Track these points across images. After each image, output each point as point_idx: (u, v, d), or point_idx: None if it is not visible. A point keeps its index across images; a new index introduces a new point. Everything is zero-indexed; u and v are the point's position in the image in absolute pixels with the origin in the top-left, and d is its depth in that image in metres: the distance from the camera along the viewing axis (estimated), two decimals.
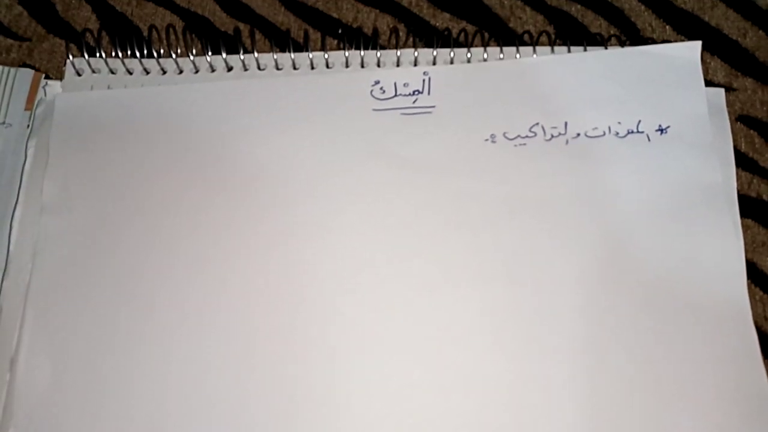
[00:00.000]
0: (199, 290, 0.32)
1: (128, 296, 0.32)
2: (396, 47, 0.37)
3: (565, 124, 0.35)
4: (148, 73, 0.37)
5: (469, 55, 0.37)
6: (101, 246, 0.33)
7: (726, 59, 0.38)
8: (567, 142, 0.34)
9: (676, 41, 0.38)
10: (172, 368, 0.31)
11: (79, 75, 0.37)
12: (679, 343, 0.31)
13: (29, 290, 0.32)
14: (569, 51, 0.37)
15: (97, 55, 0.37)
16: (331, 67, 0.37)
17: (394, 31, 0.38)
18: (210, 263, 0.33)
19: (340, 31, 0.39)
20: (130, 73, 0.37)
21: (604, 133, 0.34)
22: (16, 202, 0.34)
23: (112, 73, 0.37)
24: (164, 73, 0.37)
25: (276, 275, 0.32)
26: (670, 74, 0.35)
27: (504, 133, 0.35)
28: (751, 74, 0.37)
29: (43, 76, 0.37)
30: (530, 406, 0.30)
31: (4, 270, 0.33)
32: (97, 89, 0.37)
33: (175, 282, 0.32)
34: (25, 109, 0.36)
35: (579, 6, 0.39)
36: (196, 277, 0.32)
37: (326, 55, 0.37)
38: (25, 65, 0.38)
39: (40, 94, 0.37)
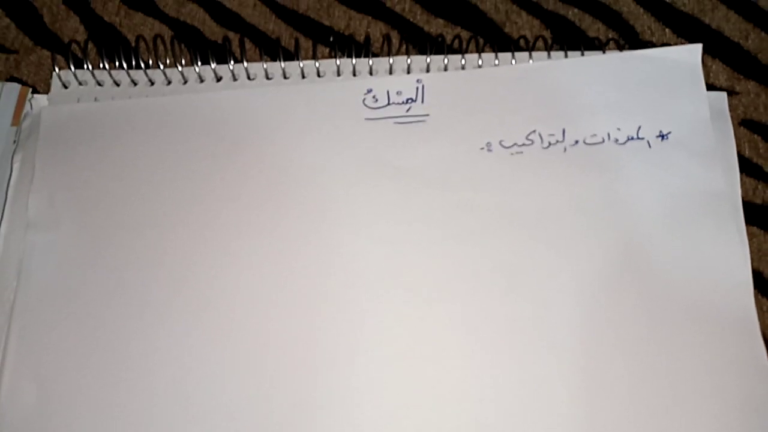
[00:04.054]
0: (189, 308, 0.31)
1: (116, 315, 0.31)
2: (389, 54, 0.36)
3: (563, 131, 0.34)
4: (135, 84, 0.36)
5: (463, 61, 0.36)
6: (88, 263, 0.32)
7: (728, 62, 0.37)
8: (565, 149, 0.33)
9: (676, 44, 0.37)
10: (162, 390, 0.30)
11: (66, 87, 0.36)
12: (685, 355, 0.30)
13: (14, 308, 0.32)
14: (566, 56, 0.36)
15: (84, 67, 0.36)
16: (322, 76, 0.36)
17: (387, 38, 0.37)
18: (201, 277, 0.32)
19: (331, 39, 0.38)
20: (118, 85, 0.36)
21: (603, 140, 0.34)
22: (2, 218, 0.34)
23: (99, 85, 0.37)
24: (152, 84, 0.37)
25: (265, 285, 0.31)
26: (670, 78, 0.34)
27: (500, 141, 0.34)
28: (754, 77, 0.36)
29: (31, 90, 0.36)
30: (531, 418, 0.29)
31: None
32: (84, 102, 0.36)
33: (165, 298, 0.31)
34: (12, 125, 0.35)
35: (576, 10, 0.38)
36: (186, 293, 0.32)
37: (317, 64, 0.36)
38: (12, 78, 0.37)
39: (27, 107, 0.36)
